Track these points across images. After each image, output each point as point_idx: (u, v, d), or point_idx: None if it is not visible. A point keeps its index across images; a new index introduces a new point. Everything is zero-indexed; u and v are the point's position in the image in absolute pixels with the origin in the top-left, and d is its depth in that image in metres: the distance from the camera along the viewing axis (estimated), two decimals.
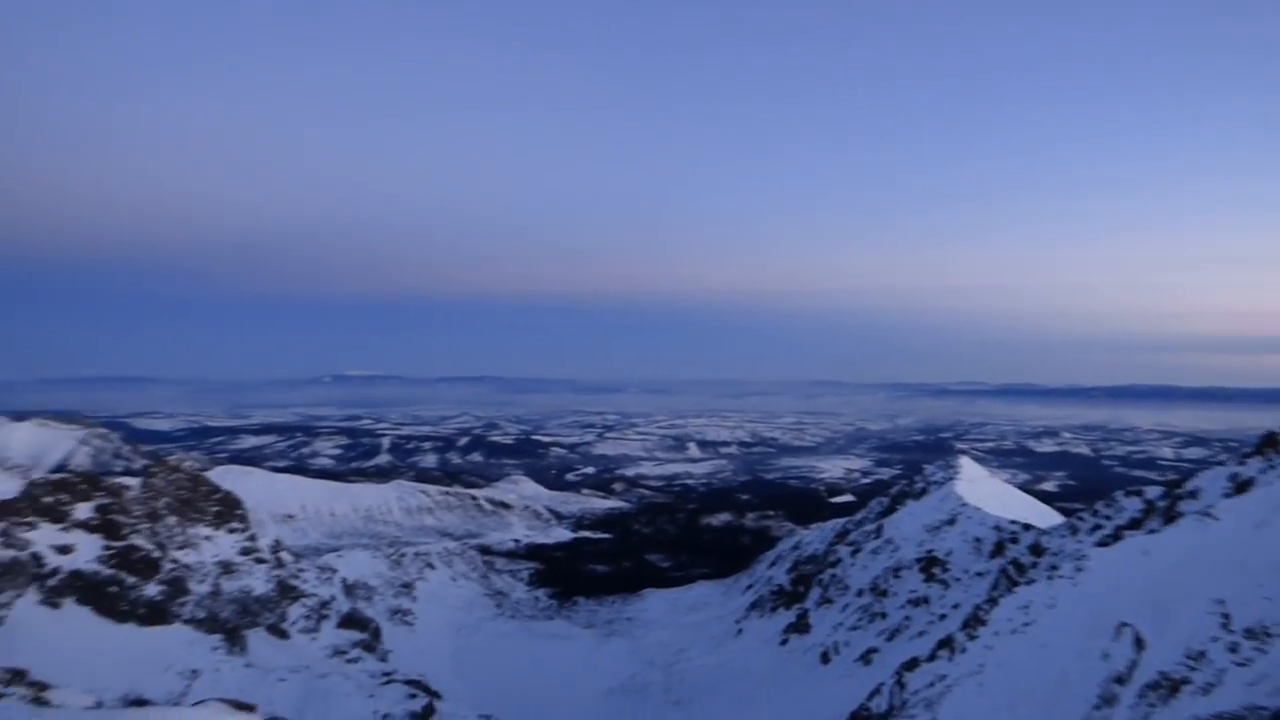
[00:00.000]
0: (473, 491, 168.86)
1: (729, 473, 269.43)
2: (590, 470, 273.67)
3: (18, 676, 36.45)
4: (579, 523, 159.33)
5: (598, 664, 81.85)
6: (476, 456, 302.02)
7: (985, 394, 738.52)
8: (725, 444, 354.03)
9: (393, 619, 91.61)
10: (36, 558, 72.68)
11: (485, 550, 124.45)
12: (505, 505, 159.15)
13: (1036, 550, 60.89)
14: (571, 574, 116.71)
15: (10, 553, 72.06)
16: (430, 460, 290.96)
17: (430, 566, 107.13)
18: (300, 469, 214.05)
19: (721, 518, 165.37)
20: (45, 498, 79.05)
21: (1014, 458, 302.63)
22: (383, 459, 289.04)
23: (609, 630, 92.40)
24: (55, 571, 72.07)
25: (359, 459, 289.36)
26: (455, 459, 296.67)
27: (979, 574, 67.94)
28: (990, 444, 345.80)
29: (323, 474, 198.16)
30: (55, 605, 69.51)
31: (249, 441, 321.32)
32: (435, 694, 62.22)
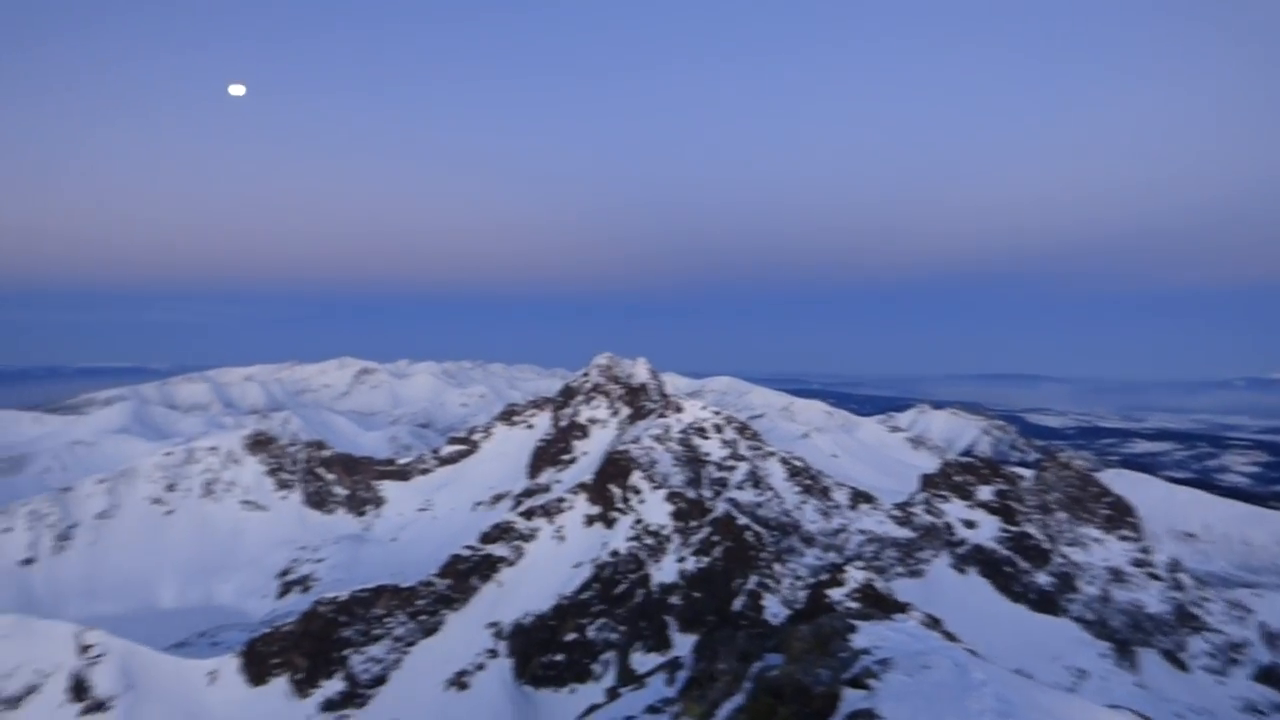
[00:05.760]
0: None
1: None
2: None
3: (935, 622, 43.43)
4: None
5: None
6: None
7: None
8: None
9: None
10: (948, 527, 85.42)
11: None
12: None
13: None
14: None
15: (930, 519, 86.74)
16: None
17: None
18: (1203, 484, 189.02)
19: None
20: (956, 476, 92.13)
21: None
22: None
23: None
24: (962, 542, 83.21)
25: None
26: None
27: None
28: None
29: (1233, 493, 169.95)
30: (961, 571, 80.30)
31: (1141, 446, 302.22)
32: None
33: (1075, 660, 64.48)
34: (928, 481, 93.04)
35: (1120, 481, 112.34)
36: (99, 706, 60.60)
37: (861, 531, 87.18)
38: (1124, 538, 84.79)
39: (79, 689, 61.67)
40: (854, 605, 45.55)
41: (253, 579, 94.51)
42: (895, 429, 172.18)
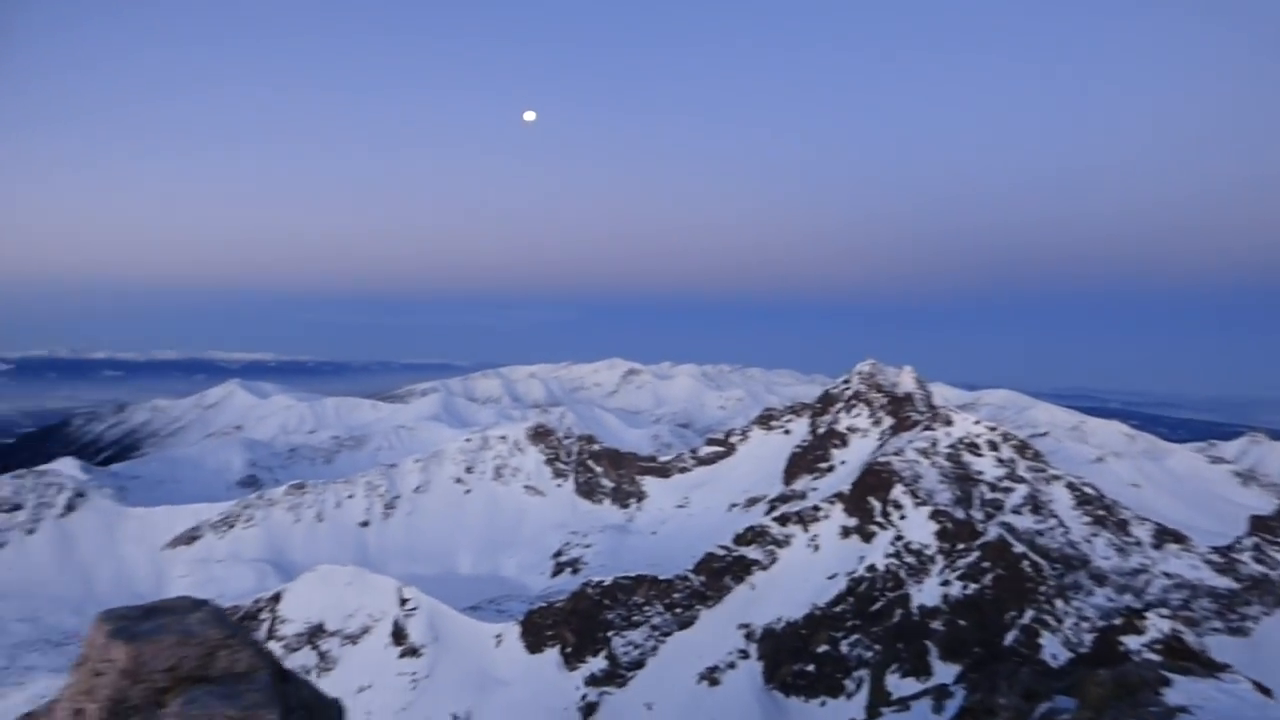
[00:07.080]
0: None
1: None
2: None
3: (1265, 692, 36.90)
4: None
5: None
6: None
7: None
8: None
9: None
10: None
11: None
12: None
13: None
14: None
15: (1260, 569, 73.17)
16: None
17: None
18: None
19: None
20: None
21: None
22: None
23: None
24: None
25: None
26: None
27: None
28: None
29: None
30: None
31: None
32: None
33: None
34: (1259, 524, 78.33)
35: None
36: (413, 652, 71.59)
37: (1167, 575, 75.79)
38: None
39: (399, 634, 73.33)
40: (1153, 657, 40.03)
41: (531, 557, 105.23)
42: (1218, 460, 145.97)
